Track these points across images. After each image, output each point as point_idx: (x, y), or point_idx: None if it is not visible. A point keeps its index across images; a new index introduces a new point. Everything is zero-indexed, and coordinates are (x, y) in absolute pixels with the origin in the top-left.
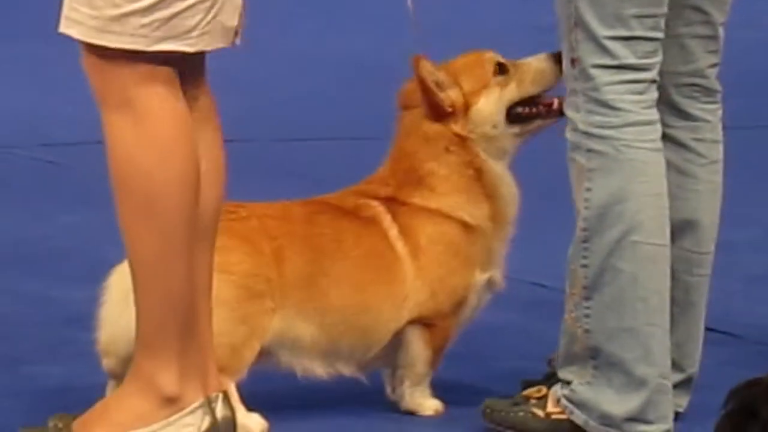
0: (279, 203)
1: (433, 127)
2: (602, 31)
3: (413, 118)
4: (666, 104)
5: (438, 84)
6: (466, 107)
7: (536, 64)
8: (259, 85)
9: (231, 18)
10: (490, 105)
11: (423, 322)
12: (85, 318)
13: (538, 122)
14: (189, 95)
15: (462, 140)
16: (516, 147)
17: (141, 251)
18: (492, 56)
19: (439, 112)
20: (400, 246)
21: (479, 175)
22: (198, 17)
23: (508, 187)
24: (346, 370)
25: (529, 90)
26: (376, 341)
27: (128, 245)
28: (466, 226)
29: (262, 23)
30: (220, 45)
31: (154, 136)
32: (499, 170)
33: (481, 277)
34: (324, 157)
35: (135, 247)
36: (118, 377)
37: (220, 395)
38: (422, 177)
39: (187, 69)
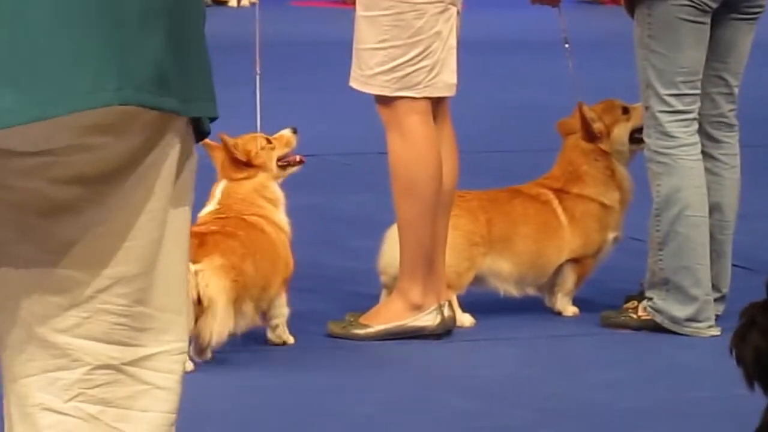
0: (491, 191)
1: (588, 146)
2: (663, 91)
3: (574, 140)
4: (703, 134)
5: (592, 119)
6: (608, 134)
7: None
8: (474, 118)
9: (451, 77)
10: (621, 132)
11: (574, 260)
12: (370, 257)
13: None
14: (438, 121)
15: (605, 153)
16: (632, 158)
17: (404, 215)
18: (619, 102)
19: (592, 137)
20: (563, 218)
21: (613, 174)
22: (422, 76)
23: (629, 182)
24: (530, 290)
25: (640, 123)
26: (547, 273)
27: (397, 211)
28: (604, 206)
29: (469, 81)
30: (446, 94)
31: (415, 150)
32: (624, 172)
33: (611, 236)
34: (513, 161)
35: (401, 213)
36: (389, 288)
37: (447, 302)
38: (580, 176)
39: (437, 106)
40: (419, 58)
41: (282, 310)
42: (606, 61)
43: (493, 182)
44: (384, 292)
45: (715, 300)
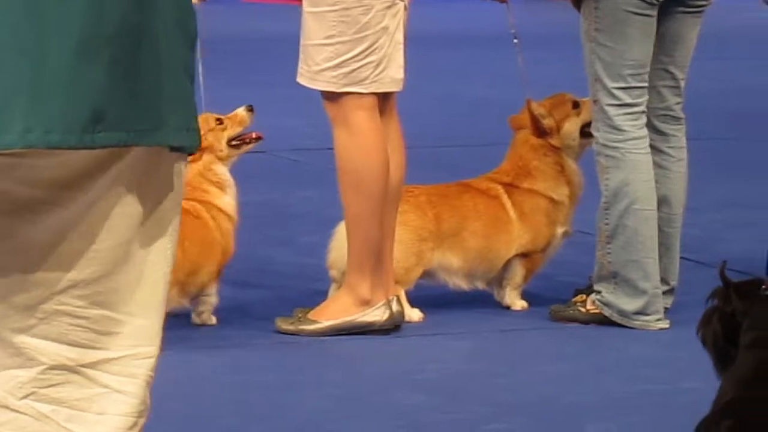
0: (440, 186)
1: (538, 141)
2: (611, 84)
3: (524, 135)
4: (650, 127)
5: (541, 115)
6: (558, 129)
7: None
8: (421, 112)
9: (398, 72)
10: (571, 127)
11: (523, 254)
12: (318, 252)
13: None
14: (385, 117)
15: (554, 148)
16: (582, 152)
17: (351, 211)
18: (570, 96)
19: (541, 132)
20: (512, 213)
21: (563, 169)
22: (368, 71)
23: (578, 177)
24: (479, 284)
25: (591, 117)
26: (496, 267)
27: (344, 207)
28: (553, 201)
29: (418, 76)
30: (393, 89)
31: (360, 143)
32: (574, 167)
33: (560, 231)
34: (462, 156)
35: (348, 209)
36: (337, 282)
37: (395, 297)
38: (529, 171)
39: (384, 101)
40: (366, 53)
41: (211, 299)
42: (556, 55)
43: (444, 177)
44: (333, 287)
45: (664, 293)
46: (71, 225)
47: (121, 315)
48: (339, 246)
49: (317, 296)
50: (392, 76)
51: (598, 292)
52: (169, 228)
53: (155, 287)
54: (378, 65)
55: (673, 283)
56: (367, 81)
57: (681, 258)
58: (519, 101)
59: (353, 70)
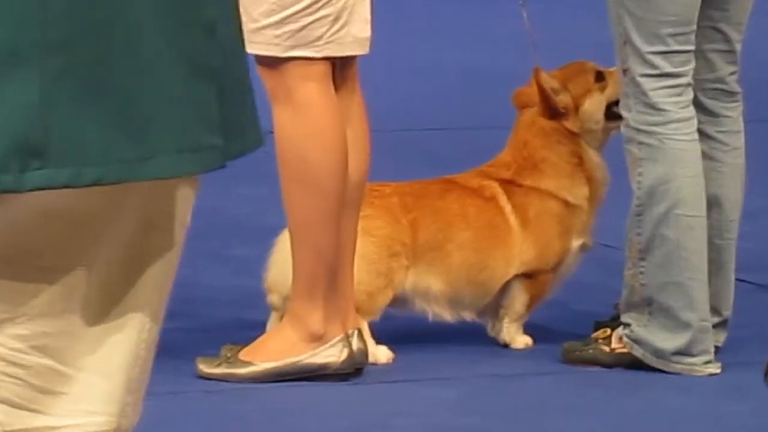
0: (417, 182)
1: (549, 123)
2: (646, 48)
3: (531, 116)
4: (695, 105)
5: (553, 90)
6: (576, 108)
7: None
8: (393, 85)
9: (362, 29)
10: (593, 106)
11: (527, 274)
12: (252, 270)
13: None
14: (344, 90)
15: (571, 134)
16: (607, 139)
17: (298, 215)
18: (592, 66)
19: (553, 112)
20: (512, 219)
21: (581, 162)
22: (323, 29)
23: (603, 172)
24: (467, 314)
25: (619, 93)
26: (490, 291)
27: (288, 210)
28: (567, 204)
29: (392, 37)
30: (356, 52)
31: (309, 124)
32: (597, 159)
33: (576, 243)
34: (446, 143)
35: (293, 211)
36: (279, 310)
37: (356, 331)
38: (537, 163)
39: (342, 70)
40: (319, 4)
41: None
42: (573, 9)
43: (422, 171)
44: (273, 317)
45: (714, 326)
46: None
47: (76, 371)
48: (281, 262)
49: (252, 329)
50: (354, 34)
51: (627, 326)
52: (151, 280)
53: (124, 344)
54: (336, 20)
55: (727, 313)
56: (321, 41)
57: (737, 280)
58: (524, 71)
59: (303, 27)
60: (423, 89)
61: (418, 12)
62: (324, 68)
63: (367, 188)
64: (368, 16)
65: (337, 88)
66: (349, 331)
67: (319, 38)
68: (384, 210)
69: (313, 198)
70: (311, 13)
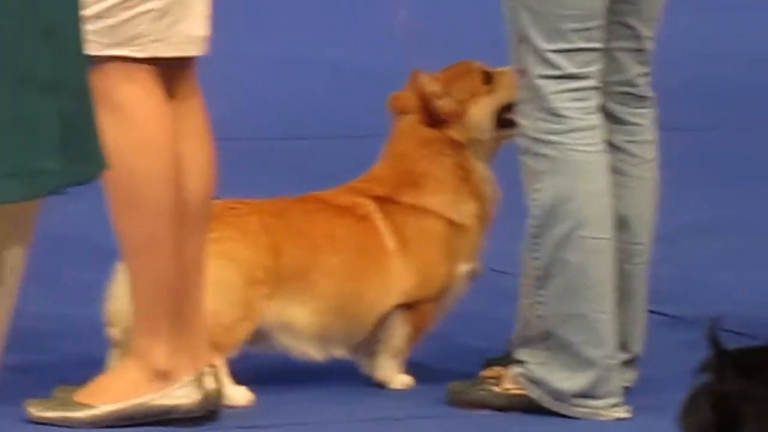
0: (279, 200)
1: (431, 132)
2: (545, 45)
3: (410, 123)
4: (602, 111)
5: (434, 94)
6: (461, 114)
7: None
8: (250, 87)
9: (195, 27)
10: (481, 112)
11: (407, 304)
12: (91, 298)
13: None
14: (179, 95)
15: (456, 144)
16: (497, 149)
17: (128, 239)
18: (479, 66)
19: (435, 120)
20: (389, 242)
21: (468, 176)
22: (146, 25)
23: (492, 187)
24: (338, 352)
25: (514, 95)
26: (364, 325)
27: (118, 233)
28: (452, 224)
29: (250, 29)
30: (187, 53)
31: (133, 133)
32: (485, 172)
33: (463, 269)
34: (313, 153)
35: (123, 235)
36: (121, 346)
37: (210, 370)
38: (416, 177)
39: (177, 72)
40: None
41: None
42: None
43: (284, 187)
44: (114, 353)
45: (622, 364)
46: None
47: None
48: (123, 290)
49: (90, 367)
50: (188, 32)
51: (523, 363)
52: None
53: None
54: (163, 15)
55: (637, 349)
56: (144, 39)
57: (649, 311)
58: (405, 71)
59: (122, 23)
60: (286, 91)
61: (280, 3)
62: (149, 70)
63: (222, 206)
64: (204, 10)
65: (171, 93)
66: (202, 369)
67: (142, 36)
68: (241, 231)
69: (143, 217)
70: (131, 7)
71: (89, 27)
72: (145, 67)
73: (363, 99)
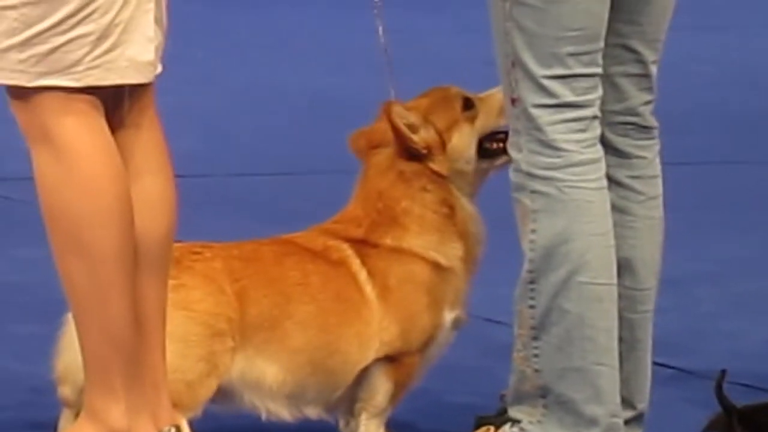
0: (247, 244)
1: (411, 166)
2: (540, 71)
3: (385, 157)
4: (602, 144)
5: (410, 127)
6: (442, 145)
7: (500, 95)
8: (215, 119)
9: (143, 52)
10: (463, 141)
11: (389, 357)
12: (38, 353)
13: (505, 157)
14: (132, 126)
15: (438, 178)
16: (483, 182)
17: (73, 286)
18: (457, 91)
19: (413, 154)
20: (368, 288)
21: (453, 213)
22: (82, 51)
23: (478, 226)
24: (312, 411)
25: (497, 122)
26: (342, 382)
27: (62, 280)
28: (437, 267)
29: (218, 56)
30: (131, 80)
31: (72, 170)
32: (470, 208)
33: (449, 317)
34: (281, 191)
35: (67, 282)
36: (73, 406)
37: (173, 429)
38: (396, 216)
39: (121, 101)
40: (74, 20)
41: None
42: (440, 19)
43: (251, 227)
44: (65, 414)
45: (627, 422)
46: None
47: None
48: (73, 345)
49: (39, 429)
50: (131, 57)
51: (517, 422)
52: None
53: None
54: (100, 39)
55: (642, 405)
56: (81, 67)
57: (654, 364)
58: (376, 97)
59: (54, 49)
60: (254, 123)
61: (238, 19)
62: (89, 101)
63: (183, 250)
64: (151, 33)
65: (123, 125)
66: (164, 429)
67: (78, 62)
68: (204, 278)
69: (88, 264)
70: (65, 32)
71: (18, 56)
72: (85, 97)
73: (339, 129)
